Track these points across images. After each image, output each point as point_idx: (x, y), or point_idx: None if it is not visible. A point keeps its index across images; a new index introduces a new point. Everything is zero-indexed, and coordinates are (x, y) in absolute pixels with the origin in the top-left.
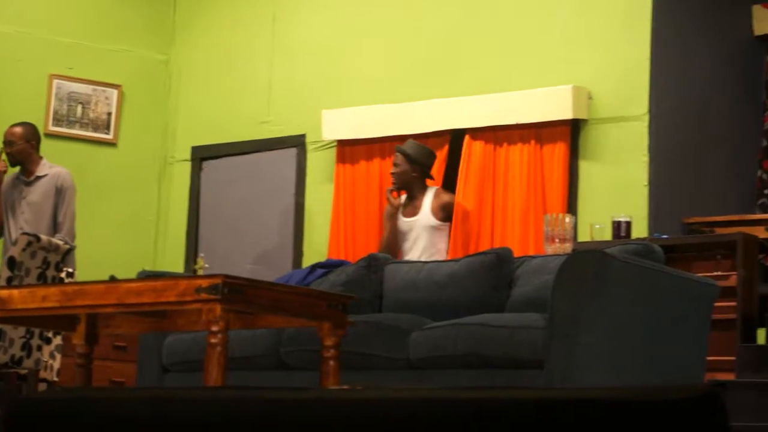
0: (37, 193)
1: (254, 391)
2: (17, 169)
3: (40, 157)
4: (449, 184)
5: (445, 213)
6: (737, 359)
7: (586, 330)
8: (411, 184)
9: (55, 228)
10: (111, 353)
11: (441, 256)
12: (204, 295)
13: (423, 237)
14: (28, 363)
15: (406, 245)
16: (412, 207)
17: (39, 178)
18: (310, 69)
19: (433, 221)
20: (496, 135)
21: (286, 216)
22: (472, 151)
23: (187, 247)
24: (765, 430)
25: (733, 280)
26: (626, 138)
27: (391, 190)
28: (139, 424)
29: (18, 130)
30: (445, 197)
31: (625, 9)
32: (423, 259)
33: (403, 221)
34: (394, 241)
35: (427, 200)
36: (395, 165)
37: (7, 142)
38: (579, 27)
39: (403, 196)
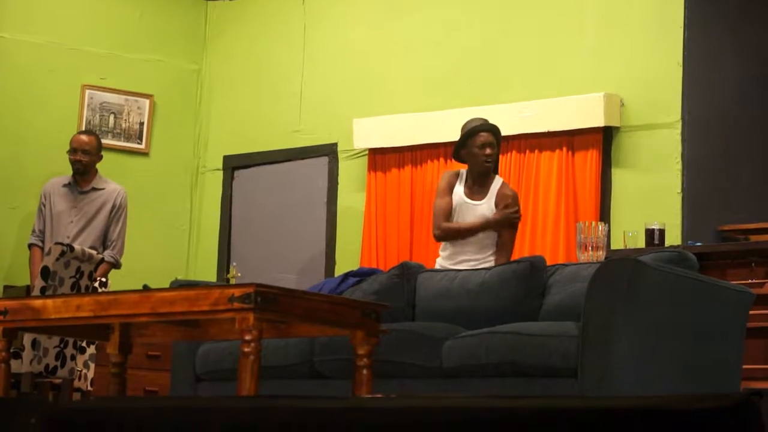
0: (91, 204)
1: (288, 400)
2: (63, 174)
3: (96, 170)
4: None
5: (503, 206)
6: None
7: (620, 338)
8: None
9: (104, 243)
10: (144, 362)
11: (488, 250)
12: (237, 304)
13: None
14: (62, 372)
15: None
16: (480, 192)
17: (95, 189)
18: (341, 77)
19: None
20: (528, 143)
21: (318, 225)
22: (504, 158)
23: (220, 256)
24: None
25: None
26: (659, 145)
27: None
28: None
29: (93, 141)
30: (508, 191)
31: (657, 15)
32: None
33: (467, 204)
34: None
35: (494, 189)
36: (490, 145)
37: (83, 151)
38: (611, 34)
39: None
